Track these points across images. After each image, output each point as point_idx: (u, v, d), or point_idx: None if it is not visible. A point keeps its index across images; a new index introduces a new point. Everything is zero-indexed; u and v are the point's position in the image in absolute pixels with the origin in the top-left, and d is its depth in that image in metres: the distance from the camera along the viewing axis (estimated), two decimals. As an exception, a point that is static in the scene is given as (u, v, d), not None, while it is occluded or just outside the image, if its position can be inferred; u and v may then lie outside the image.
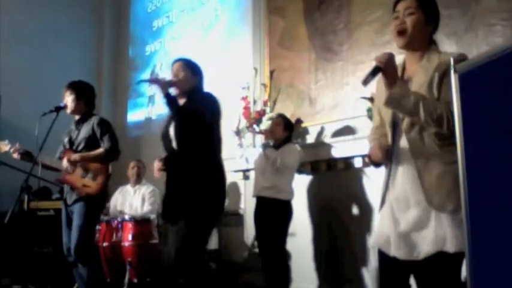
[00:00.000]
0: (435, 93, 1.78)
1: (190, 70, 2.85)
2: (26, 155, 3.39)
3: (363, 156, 3.50)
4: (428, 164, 1.76)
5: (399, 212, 1.83)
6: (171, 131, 2.76)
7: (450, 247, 1.68)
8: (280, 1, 4.54)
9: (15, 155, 3.40)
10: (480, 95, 1.55)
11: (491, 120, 1.50)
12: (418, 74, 1.83)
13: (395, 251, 1.81)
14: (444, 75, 1.76)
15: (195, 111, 2.67)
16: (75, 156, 3.34)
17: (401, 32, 1.84)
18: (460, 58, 1.70)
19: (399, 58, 1.87)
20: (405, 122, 1.84)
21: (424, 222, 1.75)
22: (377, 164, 1.96)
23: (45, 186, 4.46)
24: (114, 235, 4.29)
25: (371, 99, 3.34)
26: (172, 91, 2.74)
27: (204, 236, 2.68)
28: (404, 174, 1.83)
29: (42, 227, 4.45)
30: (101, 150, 3.34)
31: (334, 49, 4.02)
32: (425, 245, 1.73)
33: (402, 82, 1.79)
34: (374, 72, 1.74)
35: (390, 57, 1.75)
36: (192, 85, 2.82)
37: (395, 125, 1.89)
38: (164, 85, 2.67)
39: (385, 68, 1.74)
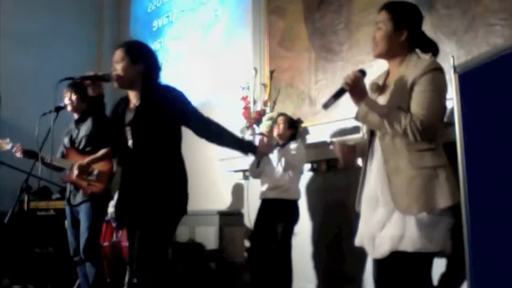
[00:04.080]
0: (408, 101, 1.82)
1: (130, 58, 2.31)
2: (28, 153, 3.40)
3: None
4: (398, 168, 1.81)
5: (370, 211, 1.90)
6: (127, 128, 2.36)
7: (408, 247, 1.73)
8: (280, 1, 4.53)
9: (18, 154, 3.40)
10: (480, 95, 1.56)
11: (491, 119, 1.50)
12: (396, 81, 1.89)
13: (368, 250, 1.91)
14: (414, 84, 1.81)
15: (160, 104, 2.27)
16: (82, 164, 3.28)
17: (374, 45, 1.97)
18: (431, 67, 1.78)
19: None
20: None
21: (386, 222, 1.82)
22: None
23: (45, 186, 4.46)
24: (114, 235, 4.28)
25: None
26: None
27: (162, 241, 2.30)
28: (376, 175, 1.89)
29: (42, 227, 4.45)
30: (106, 149, 3.34)
31: (334, 49, 4.02)
32: (382, 244, 1.80)
33: (369, 99, 1.87)
34: (338, 95, 1.84)
35: (357, 78, 1.83)
36: (131, 75, 2.31)
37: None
38: (97, 78, 2.28)
39: (351, 89, 1.82)
